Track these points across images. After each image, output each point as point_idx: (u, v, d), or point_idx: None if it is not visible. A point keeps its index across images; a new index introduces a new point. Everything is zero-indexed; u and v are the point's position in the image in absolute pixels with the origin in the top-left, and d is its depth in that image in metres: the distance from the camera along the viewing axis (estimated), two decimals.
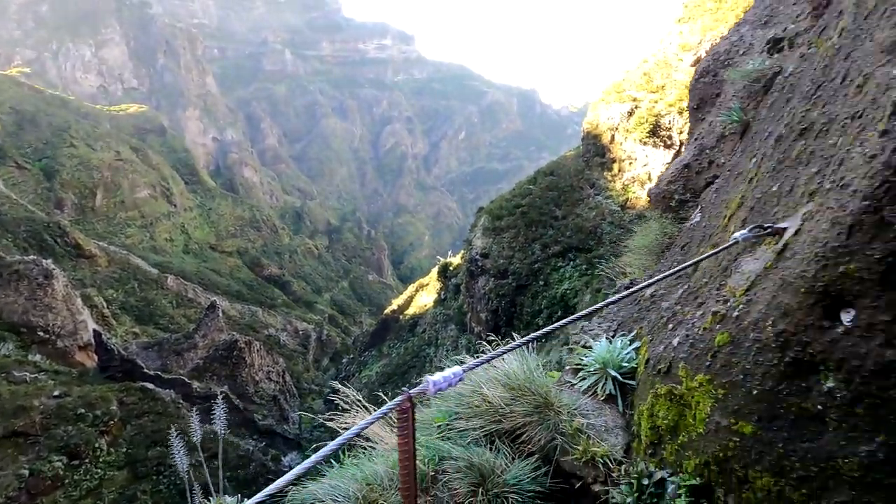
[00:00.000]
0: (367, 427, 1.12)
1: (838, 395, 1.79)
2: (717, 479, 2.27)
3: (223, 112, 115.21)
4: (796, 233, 2.16)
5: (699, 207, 4.55)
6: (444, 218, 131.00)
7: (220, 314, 45.04)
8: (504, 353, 1.75)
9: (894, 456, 1.69)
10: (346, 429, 3.46)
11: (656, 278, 2.09)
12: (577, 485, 2.91)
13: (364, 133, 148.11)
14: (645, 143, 29.21)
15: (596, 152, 32.48)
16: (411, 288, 58.38)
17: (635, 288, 1.94)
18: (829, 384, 1.82)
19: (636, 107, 29.30)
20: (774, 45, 4.69)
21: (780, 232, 2.32)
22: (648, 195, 6.22)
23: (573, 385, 3.50)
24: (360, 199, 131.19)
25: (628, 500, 2.52)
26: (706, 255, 2.41)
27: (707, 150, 5.27)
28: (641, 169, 29.39)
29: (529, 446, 3.12)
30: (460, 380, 1.30)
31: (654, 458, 2.64)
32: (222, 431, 2.97)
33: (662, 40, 30.69)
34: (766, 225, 2.37)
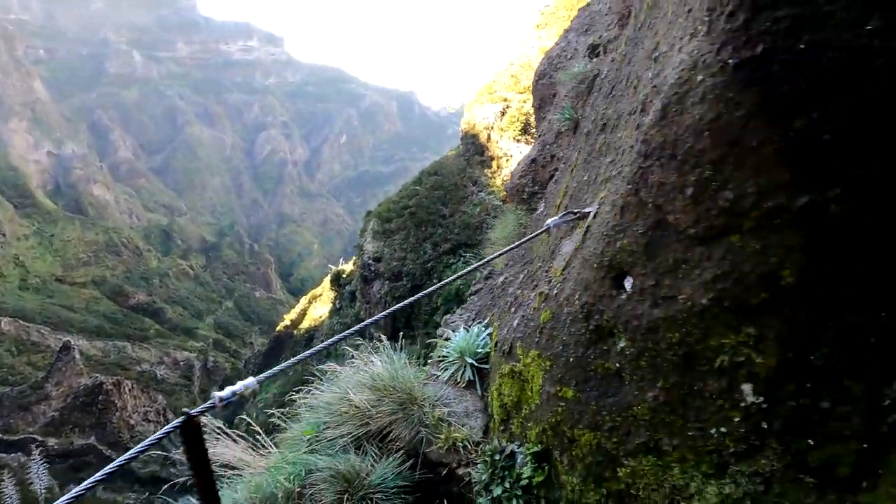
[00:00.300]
0: (133, 458, 1.05)
1: (628, 353, 2.09)
2: (553, 443, 2.52)
3: (58, 122, 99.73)
4: (594, 216, 2.47)
5: (544, 198, 4.96)
6: (333, 225, 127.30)
7: (77, 355, 39.11)
8: (314, 353, 1.76)
9: (670, 398, 2.02)
10: (214, 461, 3.23)
11: (459, 274, 2.26)
12: (444, 472, 3.04)
13: (236, 140, 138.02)
14: (518, 141, 31.05)
15: (475, 151, 34.11)
16: (304, 300, 55.97)
17: (445, 281, 2.07)
18: (622, 344, 2.12)
19: (507, 107, 31.11)
20: (593, 51, 5.36)
21: (586, 216, 2.63)
22: (505, 190, 6.68)
23: (438, 377, 3.63)
24: (238, 211, 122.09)
25: (484, 476, 2.68)
26: (519, 242, 2.65)
27: (549, 146, 5.84)
28: (517, 165, 31.17)
29: (397, 443, 3.18)
30: (253, 389, 1.28)
31: (505, 434, 2.84)
32: (42, 490, 2.56)
33: (525, 44, 32.89)
34: (575, 210, 2.68)
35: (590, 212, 2.60)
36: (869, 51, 1.40)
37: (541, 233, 2.69)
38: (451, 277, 2.21)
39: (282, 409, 3.85)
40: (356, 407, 3.34)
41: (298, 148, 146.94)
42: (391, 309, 2.05)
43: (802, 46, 1.46)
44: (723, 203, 1.70)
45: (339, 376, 3.69)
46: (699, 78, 1.64)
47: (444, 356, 3.59)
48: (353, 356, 3.87)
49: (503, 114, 31.03)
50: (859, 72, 1.43)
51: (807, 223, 1.62)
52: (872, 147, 1.54)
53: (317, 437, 3.39)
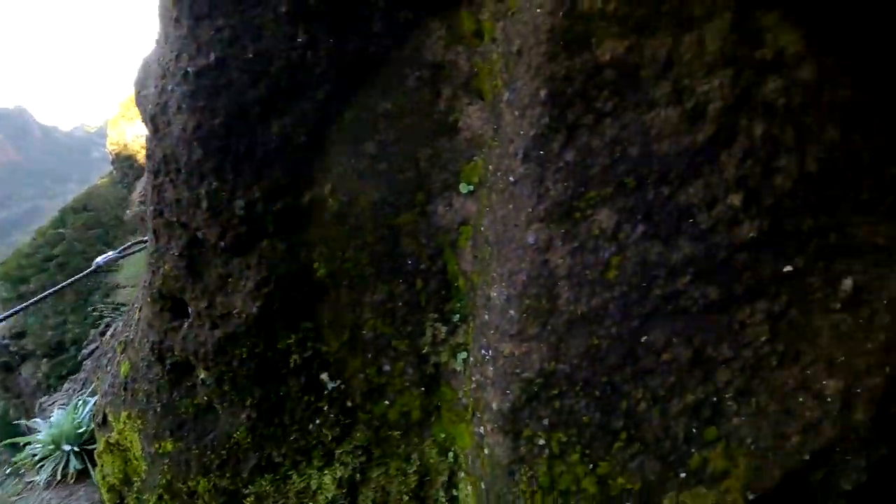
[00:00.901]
0: None
1: (209, 383, 1.95)
2: None
3: None
4: None
5: None
6: None
7: None
8: None
9: (262, 412, 1.98)
10: None
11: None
12: None
13: None
14: None
15: (136, 175, 28.67)
16: None
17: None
18: (202, 375, 1.96)
19: None
20: None
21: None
22: (126, 222, 5.72)
23: (36, 482, 2.76)
24: None
25: None
26: (64, 283, 2.19)
27: None
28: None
29: None
30: None
31: None
32: None
33: None
34: (140, 240, 2.35)
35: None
36: (303, 63, 1.56)
37: (89, 272, 2.26)
38: None
39: None
40: None
41: None
42: None
43: (251, 56, 1.52)
44: (239, 212, 1.70)
45: None
46: (170, 87, 1.56)
47: (35, 453, 2.74)
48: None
49: None
50: (302, 82, 1.59)
51: (285, 223, 1.75)
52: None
53: None
